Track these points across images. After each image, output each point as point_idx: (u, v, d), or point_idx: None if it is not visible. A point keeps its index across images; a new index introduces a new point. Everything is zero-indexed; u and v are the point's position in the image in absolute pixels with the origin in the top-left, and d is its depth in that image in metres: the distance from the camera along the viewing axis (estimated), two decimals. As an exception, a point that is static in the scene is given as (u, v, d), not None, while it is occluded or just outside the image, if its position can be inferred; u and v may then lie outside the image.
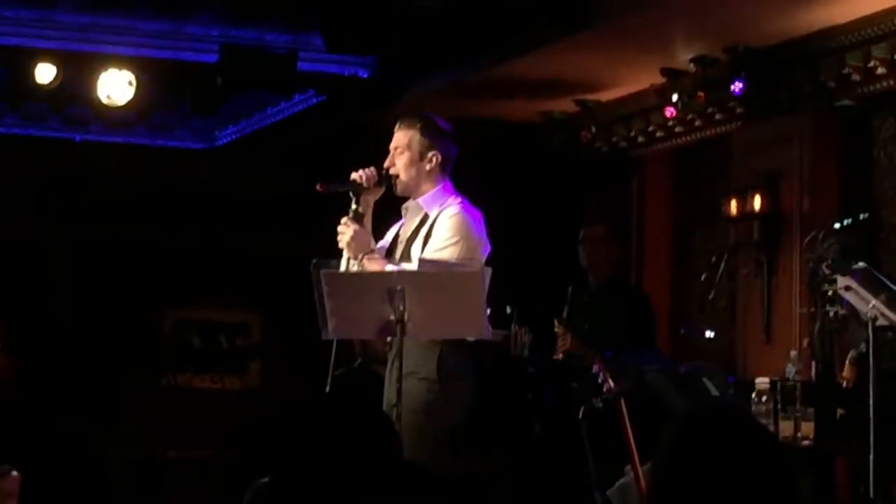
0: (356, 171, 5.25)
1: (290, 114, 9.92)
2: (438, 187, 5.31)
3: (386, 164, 5.31)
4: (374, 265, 5.14)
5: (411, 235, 5.31)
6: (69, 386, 9.77)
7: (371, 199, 5.28)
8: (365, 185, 5.22)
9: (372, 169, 5.25)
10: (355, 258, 5.15)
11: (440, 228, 5.19)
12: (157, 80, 9.01)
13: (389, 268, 5.11)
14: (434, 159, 5.28)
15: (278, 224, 10.36)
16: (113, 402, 9.86)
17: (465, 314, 4.90)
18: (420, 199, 5.30)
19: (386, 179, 5.28)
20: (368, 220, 5.26)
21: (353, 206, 5.19)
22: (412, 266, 5.10)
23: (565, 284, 7.82)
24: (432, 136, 5.31)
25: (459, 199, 5.28)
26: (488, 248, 5.25)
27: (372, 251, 5.19)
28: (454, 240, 5.14)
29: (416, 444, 4.63)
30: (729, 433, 2.73)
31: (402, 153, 5.30)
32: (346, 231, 5.17)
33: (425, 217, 5.29)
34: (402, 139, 5.32)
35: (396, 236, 5.40)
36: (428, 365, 5.07)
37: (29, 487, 3.03)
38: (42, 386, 9.69)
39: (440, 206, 5.26)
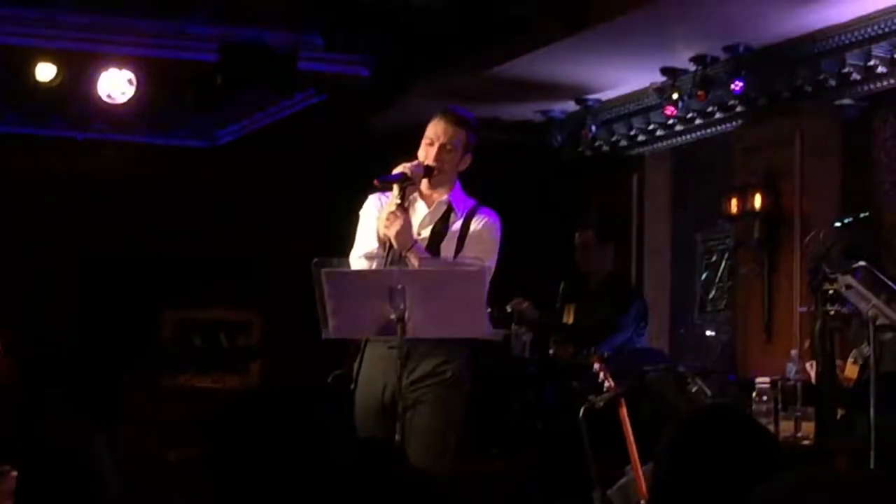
0: (401, 164, 5.23)
1: (291, 113, 9.91)
2: (457, 184, 5.39)
3: (433, 159, 5.28)
4: (416, 261, 5.10)
5: (438, 228, 5.31)
6: (69, 386, 9.75)
7: (413, 192, 5.30)
8: (412, 178, 5.22)
9: (417, 162, 5.26)
10: (402, 251, 5.11)
11: (483, 236, 5.26)
12: (158, 80, 9.00)
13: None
14: (468, 160, 5.37)
15: (278, 223, 10.35)
16: (113, 403, 9.84)
17: (466, 313, 4.89)
18: (449, 196, 5.33)
19: (429, 172, 5.29)
20: (408, 214, 5.25)
21: (398, 201, 5.15)
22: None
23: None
24: (475, 139, 5.39)
25: (483, 206, 5.36)
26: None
27: (415, 242, 5.17)
28: (493, 248, 5.26)
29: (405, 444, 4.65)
30: (728, 433, 2.73)
31: (451, 150, 5.29)
32: (395, 222, 5.11)
33: (448, 212, 5.30)
34: (453, 136, 5.30)
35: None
36: None
37: (29, 488, 3.03)
38: (42, 386, 9.68)
39: (464, 204, 5.33)
